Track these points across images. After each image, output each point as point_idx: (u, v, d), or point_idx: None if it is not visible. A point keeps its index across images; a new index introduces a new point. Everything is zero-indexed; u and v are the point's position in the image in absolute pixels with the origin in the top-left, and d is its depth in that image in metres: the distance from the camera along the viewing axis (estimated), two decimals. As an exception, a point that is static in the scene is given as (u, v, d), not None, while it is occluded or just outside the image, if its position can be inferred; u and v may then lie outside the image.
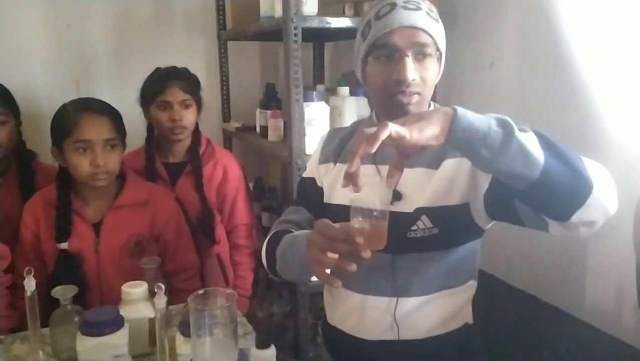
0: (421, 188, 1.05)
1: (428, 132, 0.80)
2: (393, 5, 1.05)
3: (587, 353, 1.30)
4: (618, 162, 1.25)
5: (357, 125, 1.24)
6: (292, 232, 1.16)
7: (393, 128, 0.79)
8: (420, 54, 1.04)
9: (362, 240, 0.89)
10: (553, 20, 1.41)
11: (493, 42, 1.59)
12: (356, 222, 0.92)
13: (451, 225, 1.05)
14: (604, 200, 0.85)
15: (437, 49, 1.07)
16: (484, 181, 0.99)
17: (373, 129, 0.80)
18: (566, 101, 1.37)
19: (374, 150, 0.79)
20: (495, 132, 0.80)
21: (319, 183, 1.24)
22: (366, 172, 1.11)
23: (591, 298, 1.32)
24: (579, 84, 1.35)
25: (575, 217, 0.85)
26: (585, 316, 1.31)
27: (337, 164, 1.19)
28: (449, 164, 1.05)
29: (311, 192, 1.25)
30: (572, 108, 1.36)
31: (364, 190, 1.10)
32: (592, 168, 0.85)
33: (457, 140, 0.82)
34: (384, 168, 1.08)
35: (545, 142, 0.84)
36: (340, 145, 1.22)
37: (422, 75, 1.05)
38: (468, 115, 0.82)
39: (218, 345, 0.88)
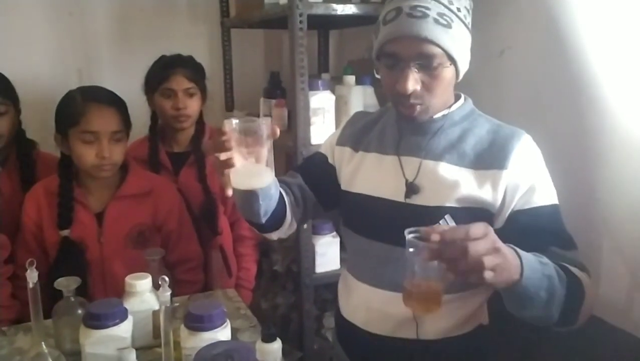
0: (444, 184, 1.03)
1: (498, 281, 0.83)
2: (399, 11, 0.98)
3: (598, 347, 1.28)
4: (629, 151, 1.23)
5: (384, 111, 1.20)
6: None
7: (487, 275, 0.81)
8: (426, 65, 0.98)
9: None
10: (565, 6, 1.38)
11: (503, 29, 1.56)
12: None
13: None
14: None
15: (450, 57, 0.98)
16: (502, 220, 1.03)
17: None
18: (578, 90, 1.34)
19: None
20: (539, 300, 0.88)
21: (330, 161, 1.22)
22: (389, 163, 1.10)
23: (602, 292, 1.30)
24: (591, 73, 1.32)
25: None
26: (596, 311, 1.29)
27: (360, 152, 1.16)
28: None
29: (317, 166, 1.24)
30: (584, 98, 1.33)
31: (383, 179, 1.09)
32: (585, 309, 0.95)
33: (507, 294, 0.88)
34: (406, 160, 1.08)
35: (571, 306, 0.92)
36: (362, 132, 1.19)
37: (429, 85, 1.00)
38: (529, 285, 0.86)
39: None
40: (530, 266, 0.86)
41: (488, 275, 0.80)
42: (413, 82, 0.98)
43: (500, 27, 1.54)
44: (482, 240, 0.80)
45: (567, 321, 0.94)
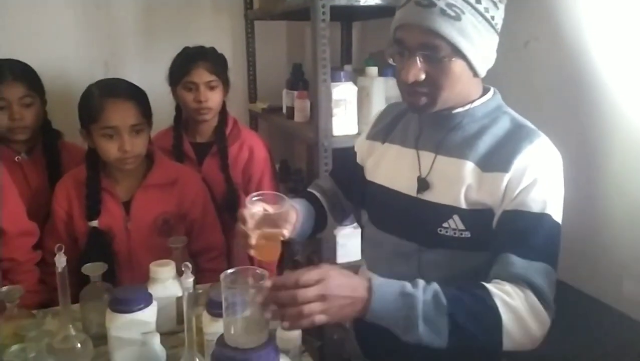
0: (453, 183, 1.01)
1: (341, 318, 0.87)
2: None
3: (623, 343, 1.27)
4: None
5: None
6: (315, 195, 1.29)
7: (318, 319, 0.84)
8: (432, 57, 0.95)
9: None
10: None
11: (528, 21, 1.53)
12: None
13: (484, 229, 0.99)
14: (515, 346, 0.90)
15: (456, 50, 0.94)
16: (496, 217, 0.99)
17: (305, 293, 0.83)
18: (604, 82, 1.32)
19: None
20: (399, 326, 0.87)
21: (358, 160, 1.24)
22: (407, 157, 1.10)
23: (628, 288, 1.28)
24: (618, 64, 1.29)
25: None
26: (622, 307, 1.28)
27: (386, 143, 1.17)
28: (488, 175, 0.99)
29: (346, 166, 1.27)
30: (611, 91, 1.30)
31: (400, 173, 1.09)
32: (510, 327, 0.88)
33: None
34: (424, 154, 1.08)
35: (455, 324, 0.86)
36: (391, 124, 1.19)
37: (435, 77, 0.97)
38: (377, 313, 0.87)
39: (249, 323, 0.88)
40: (382, 299, 0.86)
41: (319, 318, 0.84)
42: (415, 72, 0.96)
43: (525, 18, 1.52)
44: (312, 287, 0.84)
45: (490, 342, 0.90)
